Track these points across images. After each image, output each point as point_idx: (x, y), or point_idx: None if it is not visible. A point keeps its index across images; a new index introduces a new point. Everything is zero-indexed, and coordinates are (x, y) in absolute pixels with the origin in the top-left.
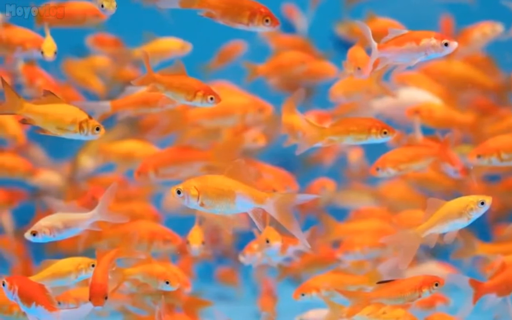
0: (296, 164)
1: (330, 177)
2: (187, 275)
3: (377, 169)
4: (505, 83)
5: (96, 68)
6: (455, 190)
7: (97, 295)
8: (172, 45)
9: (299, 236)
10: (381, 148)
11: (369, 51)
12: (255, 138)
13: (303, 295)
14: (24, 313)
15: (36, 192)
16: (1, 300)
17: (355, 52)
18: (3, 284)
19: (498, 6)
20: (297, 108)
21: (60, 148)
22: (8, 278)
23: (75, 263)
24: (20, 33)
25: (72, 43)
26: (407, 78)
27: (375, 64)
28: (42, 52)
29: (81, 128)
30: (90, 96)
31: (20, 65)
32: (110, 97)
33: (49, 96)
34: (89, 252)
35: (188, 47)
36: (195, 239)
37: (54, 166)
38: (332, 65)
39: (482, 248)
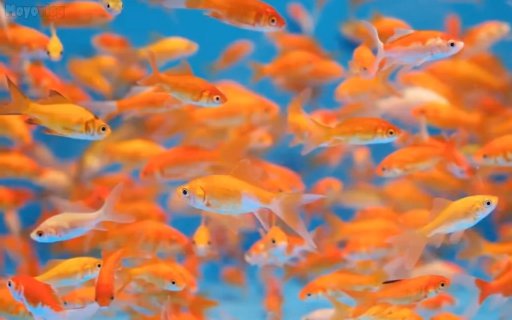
0: (302, 164)
1: (336, 177)
2: (193, 275)
3: (383, 169)
4: (511, 83)
5: (102, 68)
6: (461, 190)
7: (103, 295)
8: (178, 45)
9: (305, 236)
10: (387, 148)
11: (375, 51)
12: (261, 138)
13: (309, 295)
14: (30, 313)
15: (42, 192)
16: (7, 300)
17: (361, 52)
18: (9, 284)
19: (504, 6)
20: (303, 108)
21: (66, 148)
22: (14, 278)
23: (81, 263)
24: (26, 33)
25: (78, 43)
26: (413, 78)
27: (381, 64)
28: (48, 52)
29: (87, 128)
30: (96, 96)
31: (26, 65)
32: (116, 97)
33: (55, 96)
34: (95, 252)
35: (194, 47)
36: (201, 239)
37: (60, 166)
38: (338, 65)
39: (488, 248)
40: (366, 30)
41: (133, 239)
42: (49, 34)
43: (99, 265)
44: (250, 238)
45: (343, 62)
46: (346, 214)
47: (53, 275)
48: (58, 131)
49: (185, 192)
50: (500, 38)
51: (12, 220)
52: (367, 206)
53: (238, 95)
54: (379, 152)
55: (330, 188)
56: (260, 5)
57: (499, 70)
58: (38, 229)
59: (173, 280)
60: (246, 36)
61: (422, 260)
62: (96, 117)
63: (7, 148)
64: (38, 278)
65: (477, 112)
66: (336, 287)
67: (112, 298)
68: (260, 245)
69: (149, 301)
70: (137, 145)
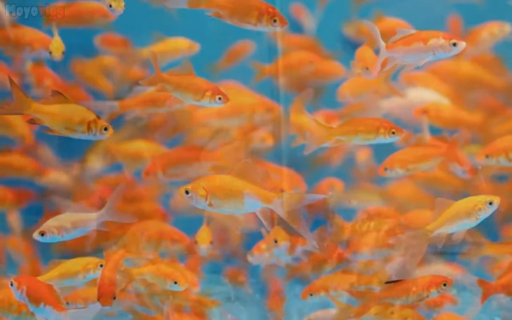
0: (304, 164)
1: (338, 177)
2: (195, 275)
3: (385, 169)
4: None
5: (104, 68)
6: (463, 190)
7: (106, 295)
8: (180, 45)
9: (307, 236)
10: (389, 148)
11: (377, 51)
12: (263, 138)
13: (311, 295)
14: (32, 313)
15: (44, 192)
16: (10, 300)
17: (363, 52)
18: (11, 284)
19: (506, 6)
20: (305, 108)
21: (68, 148)
22: (16, 278)
23: (83, 263)
24: (28, 33)
25: (80, 43)
26: (415, 78)
27: (383, 64)
28: (50, 52)
29: (89, 128)
30: (98, 96)
31: (28, 65)
32: (118, 97)
33: (57, 96)
34: (97, 252)
35: (196, 47)
36: (203, 239)
37: (62, 166)
38: (340, 65)
39: (490, 248)
40: (368, 30)
41: (135, 239)
42: (51, 34)
43: (101, 265)
44: (252, 238)
45: (345, 62)
46: (348, 214)
47: (55, 275)
48: (60, 131)
49: (187, 192)
50: (502, 38)
51: (14, 220)
52: (369, 206)
53: (240, 95)
54: (381, 152)
55: (332, 188)
56: (262, 5)
57: (501, 70)
58: (40, 229)
59: (175, 280)
60: (248, 36)
61: (424, 260)
62: (98, 117)
63: (9, 148)
64: (40, 278)
65: (479, 112)
66: (338, 287)
67: (114, 298)
68: (262, 245)
69: (151, 301)
70: (139, 145)
